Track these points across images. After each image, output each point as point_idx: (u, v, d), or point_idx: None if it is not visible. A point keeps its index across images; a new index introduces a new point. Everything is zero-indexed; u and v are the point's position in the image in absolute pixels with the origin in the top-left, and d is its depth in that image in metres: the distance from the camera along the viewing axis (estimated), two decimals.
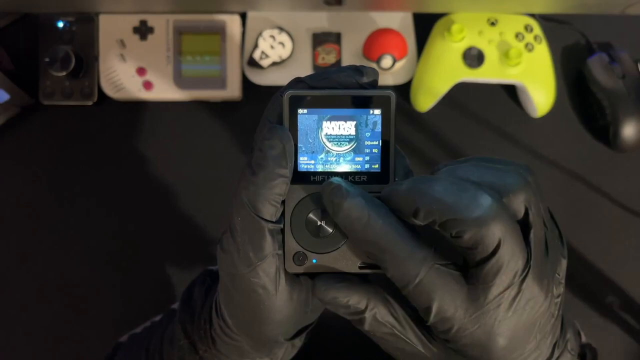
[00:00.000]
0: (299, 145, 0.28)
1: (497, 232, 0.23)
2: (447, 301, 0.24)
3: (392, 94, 0.27)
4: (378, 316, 0.25)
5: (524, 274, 0.24)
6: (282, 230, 0.28)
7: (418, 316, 0.26)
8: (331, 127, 0.28)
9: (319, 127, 0.28)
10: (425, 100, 0.63)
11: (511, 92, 0.65)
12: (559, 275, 0.26)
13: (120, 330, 0.47)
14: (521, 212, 0.24)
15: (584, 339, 0.33)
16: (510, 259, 0.23)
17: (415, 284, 0.24)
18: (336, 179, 0.26)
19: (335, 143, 0.28)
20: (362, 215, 0.24)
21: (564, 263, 0.27)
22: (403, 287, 0.25)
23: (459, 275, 0.24)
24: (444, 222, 0.24)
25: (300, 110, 0.27)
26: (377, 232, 0.24)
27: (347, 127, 0.28)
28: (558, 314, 0.26)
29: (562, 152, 0.64)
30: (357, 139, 0.28)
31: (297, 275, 0.29)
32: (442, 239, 0.24)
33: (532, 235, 0.24)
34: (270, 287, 0.27)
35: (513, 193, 0.24)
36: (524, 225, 0.24)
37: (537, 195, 0.25)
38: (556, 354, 0.27)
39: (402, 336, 0.25)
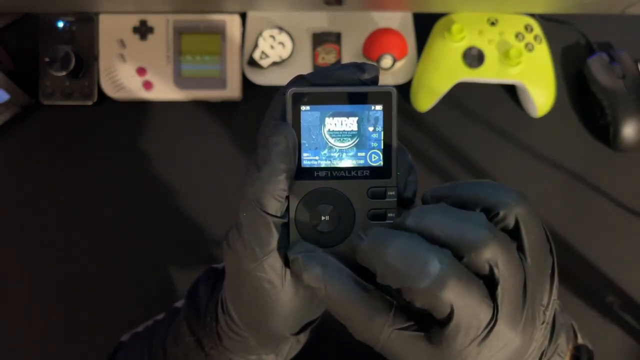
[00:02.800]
0: (302, 141, 0.28)
1: (447, 300, 0.23)
2: None
3: (394, 90, 0.28)
4: None
5: (489, 328, 0.23)
6: (287, 225, 0.28)
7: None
8: (334, 123, 0.28)
9: (322, 123, 0.28)
10: (425, 100, 0.63)
11: (511, 92, 0.65)
12: (543, 305, 0.26)
13: (122, 329, 0.47)
14: (485, 271, 0.24)
15: (580, 339, 0.33)
16: (469, 319, 0.23)
17: (380, 347, 0.25)
18: (296, 248, 0.27)
19: (337, 139, 0.28)
20: (319, 287, 0.25)
21: (553, 290, 0.26)
22: (373, 347, 0.25)
23: (422, 336, 0.24)
24: (397, 289, 0.24)
25: (303, 107, 0.28)
26: (334, 302, 0.25)
27: (350, 123, 0.28)
28: (544, 333, 0.26)
29: (562, 152, 0.64)
30: (359, 134, 0.28)
31: None
32: None
33: (499, 290, 0.24)
34: (277, 282, 0.28)
35: (474, 252, 0.24)
36: (491, 280, 0.24)
37: (505, 246, 0.24)
38: None
39: None
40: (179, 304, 0.39)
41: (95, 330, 0.60)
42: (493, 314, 0.24)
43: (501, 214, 0.25)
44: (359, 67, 0.28)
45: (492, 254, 0.24)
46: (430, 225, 0.25)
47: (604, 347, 0.60)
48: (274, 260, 0.27)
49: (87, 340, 0.60)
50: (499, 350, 0.24)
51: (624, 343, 0.60)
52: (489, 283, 0.24)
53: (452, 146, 0.64)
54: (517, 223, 0.25)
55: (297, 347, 0.36)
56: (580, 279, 0.61)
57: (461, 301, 0.23)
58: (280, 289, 0.28)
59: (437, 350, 0.24)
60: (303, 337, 0.35)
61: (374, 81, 0.28)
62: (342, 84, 0.28)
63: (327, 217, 0.28)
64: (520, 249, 0.25)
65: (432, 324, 0.24)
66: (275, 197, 0.26)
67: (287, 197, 0.28)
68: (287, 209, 0.28)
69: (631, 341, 0.60)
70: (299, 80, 0.28)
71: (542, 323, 0.26)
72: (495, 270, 0.24)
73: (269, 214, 0.27)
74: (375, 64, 0.59)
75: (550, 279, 0.26)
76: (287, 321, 0.30)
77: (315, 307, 0.31)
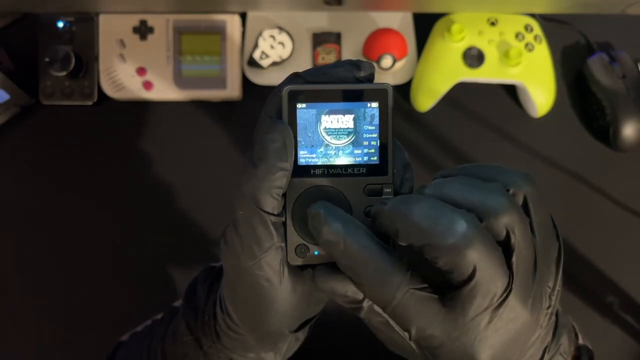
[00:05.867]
0: (299, 139, 0.28)
1: (471, 259, 0.23)
2: (424, 323, 0.24)
3: (389, 87, 0.28)
4: (374, 307, 0.26)
5: (504, 296, 0.24)
6: (284, 223, 0.28)
7: None
8: (330, 121, 0.28)
9: (318, 121, 0.28)
10: (425, 100, 0.63)
11: (511, 92, 0.65)
12: (549, 287, 0.26)
13: (121, 329, 0.47)
14: (502, 235, 0.24)
15: (581, 340, 0.33)
16: (488, 283, 0.23)
17: (392, 307, 0.24)
18: (317, 205, 0.26)
19: (334, 136, 0.28)
20: (338, 241, 0.25)
21: (558, 275, 0.27)
22: (383, 309, 0.25)
23: (436, 298, 0.24)
24: (421, 247, 0.24)
25: (299, 105, 0.28)
26: (352, 258, 0.25)
27: (346, 121, 0.28)
28: (548, 322, 0.26)
29: (562, 152, 0.64)
30: (355, 132, 0.28)
31: (300, 267, 0.29)
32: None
33: (514, 258, 0.24)
34: (275, 280, 0.28)
35: (494, 216, 0.24)
36: (506, 248, 0.24)
37: (522, 216, 0.25)
38: (546, 358, 0.28)
39: (395, 327, 0.26)
40: (178, 303, 0.39)
41: (94, 330, 0.60)
42: (509, 282, 0.24)
43: (510, 192, 0.25)
44: (354, 64, 0.28)
45: (510, 220, 0.24)
46: (449, 193, 0.25)
47: (604, 347, 0.60)
48: (272, 258, 0.27)
49: (86, 340, 0.60)
50: (509, 321, 0.24)
51: (624, 343, 0.60)
52: (504, 252, 0.24)
53: (452, 146, 0.64)
54: (525, 202, 0.25)
55: (296, 344, 0.36)
56: (580, 279, 0.61)
57: (484, 262, 0.23)
58: (278, 286, 0.28)
59: (451, 314, 0.24)
60: (302, 335, 0.35)
61: (370, 79, 0.29)
62: (337, 81, 0.28)
63: None
64: (530, 227, 0.25)
65: (446, 290, 0.24)
66: (272, 194, 0.26)
67: (284, 195, 0.28)
68: (285, 207, 0.28)
69: (631, 341, 0.60)
70: (294, 77, 0.28)
71: (548, 308, 0.26)
72: (512, 237, 0.24)
73: (265, 211, 0.27)
74: (377, 66, 0.59)
75: (556, 264, 0.27)
76: (285, 319, 0.30)
77: (314, 305, 0.31)
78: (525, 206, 0.25)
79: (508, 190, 0.25)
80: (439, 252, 0.23)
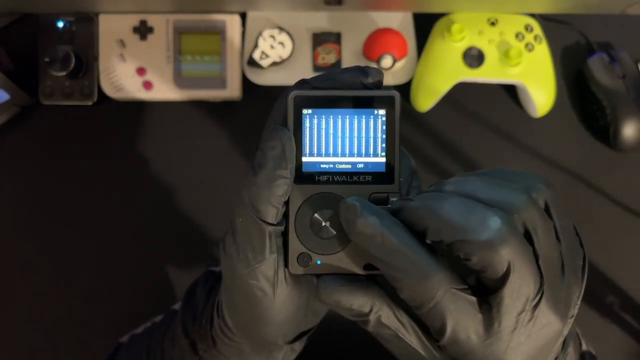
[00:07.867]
0: (304, 145, 0.28)
1: (506, 256, 0.22)
2: (461, 326, 0.23)
3: (397, 94, 0.27)
4: (382, 319, 0.25)
5: (537, 299, 0.23)
6: (286, 232, 0.28)
7: (422, 321, 0.25)
8: (336, 127, 0.28)
9: (324, 127, 0.28)
10: (425, 100, 0.63)
11: (511, 92, 0.65)
12: (577, 297, 0.25)
13: (120, 331, 0.47)
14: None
15: (584, 346, 0.33)
16: (521, 284, 0.23)
17: (430, 307, 0.23)
18: (352, 199, 0.25)
19: (340, 143, 0.28)
20: (375, 234, 0.24)
21: (583, 283, 0.26)
22: (417, 308, 0.24)
23: (475, 301, 0.23)
24: (452, 244, 0.23)
25: (305, 111, 0.27)
26: (391, 252, 0.23)
27: (352, 128, 0.28)
28: (568, 331, 0.26)
29: (562, 152, 0.64)
30: (361, 139, 0.28)
31: (301, 276, 0.28)
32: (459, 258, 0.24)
33: (541, 261, 0.23)
34: (268, 290, 0.27)
35: (518, 214, 0.23)
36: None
37: (544, 217, 0.24)
38: None
39: (405, 339, 0.25)
40: (177, 306, 0.39)
41: (94, 331, 0.60)
42: (541, 284, 0.23)
43: (533, 196, 0.24)
44: (362, 70, 0.28)
45: (532, 219, 0.23)
46: (471, 190, 0.24)
47: (604, 348, 0.60)
48: (267, 268, 0.27)
49: (86, 341, 0.60)
50: (542, 328, 0.23)
51: (624, 343, 0.60)
52: None
53: (452, 146, 0.64)
54: (547, 207, 0.25)
55: (292, 355, 0.36)
56: None
57: (518, 260, 0.22)
58: (271, 297, 0.28)
59: (486, 319, 0.23)
60: (298, 346, 0.35)
61: (378, 85, 0.28)
62: (345, 87, 0.28)
63: (328, 223, 0.27)
64: (554, 231, 0.24)
65: (480, 293, 0.23)
66: (272, 203, 0.26)
67: (286, 203, 0.27)
68: (286, 214, 0.27)
69: (631, 341, 0.60)
70: (302, 84, 0.28)
71: (571, 317, 0.25)
72: (535, 239, 0.23)
73: (264, 221, 0.26)
74: (374, 66, 0.59)
75: (581, 272, 0.26)
76: (280, 329, 0.30)
77: (311, 316, 0.31)
78: (547, 211, 0.24)
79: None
80: (473, 248, 0.22)
